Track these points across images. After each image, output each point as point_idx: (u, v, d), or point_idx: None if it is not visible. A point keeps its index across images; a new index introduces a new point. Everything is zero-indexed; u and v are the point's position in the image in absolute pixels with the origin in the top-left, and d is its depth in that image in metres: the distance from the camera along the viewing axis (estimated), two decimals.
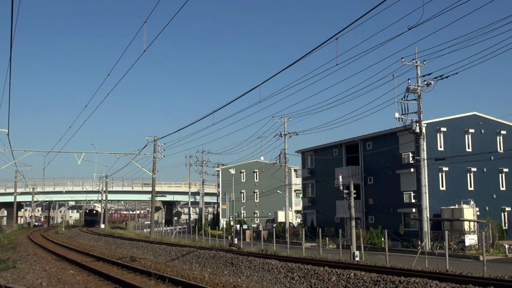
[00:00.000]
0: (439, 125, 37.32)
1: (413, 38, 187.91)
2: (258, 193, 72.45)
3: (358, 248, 24.83)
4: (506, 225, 38.07)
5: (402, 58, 29.96)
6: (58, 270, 20.36)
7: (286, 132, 44.14)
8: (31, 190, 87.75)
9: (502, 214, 38.67)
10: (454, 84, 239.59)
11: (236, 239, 39.13)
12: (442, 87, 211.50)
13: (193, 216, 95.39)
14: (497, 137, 39.59)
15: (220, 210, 72.96)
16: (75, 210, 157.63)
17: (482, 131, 38.76)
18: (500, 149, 39.31)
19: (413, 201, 35.97)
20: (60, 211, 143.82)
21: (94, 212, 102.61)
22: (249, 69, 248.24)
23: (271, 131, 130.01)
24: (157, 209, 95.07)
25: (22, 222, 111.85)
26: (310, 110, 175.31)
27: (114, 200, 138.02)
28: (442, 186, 36.86)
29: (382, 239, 29.78)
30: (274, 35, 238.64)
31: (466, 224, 32.94)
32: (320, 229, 30.99)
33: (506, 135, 39.70)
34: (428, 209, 32.72)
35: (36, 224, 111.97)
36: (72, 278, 18.19)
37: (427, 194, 32.73)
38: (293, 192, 67.04)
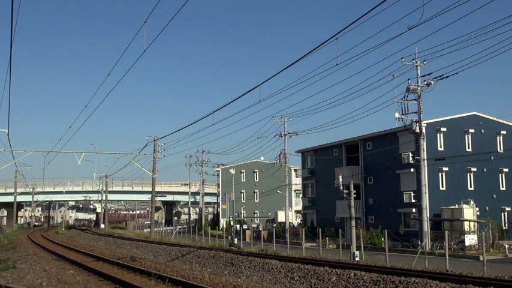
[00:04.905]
0: (439, 125, 37.32)
1: (413, 38, 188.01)
2: (258, 193, 72.45)
3: (358, 248, 24.82)
4: (506, 225, 38.07)
5: (402, 58, 29.95)
6: (58, 270, 20.37)
7: (286, 132, 44.13)
8: (31, 190, 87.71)
9: (502, 214, 38.67)
10: (454, 84, 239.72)
11: (236, 239, 39.10)
12: (442, 87, 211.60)
13: (193, 216, 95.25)
14: (497, 137, 39.59)
15: (220, 210, 72.95)
16: (75, 210, 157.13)
17: (482, 131, 38.76)
18: (500, 149, 39.31)
19: (413, 201, 35.96)
20: (60, 211, 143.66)
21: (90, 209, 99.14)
22: (249, 69, 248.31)
23: (271, 131, 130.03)
24: (157, 209, 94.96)
25: (22, 222, 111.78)
26: (310, 110, 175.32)
27: (114, 200, 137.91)
28: (442, 186, 36.86)
29: (382, 239, 29.78)
30: (274, 35, 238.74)
31: (466, 224, 32.93)
32: (320, 229, 30.99)
33: (506, 135, 39.70)
34: (428, 209, 32.73)
35: (36, 224, 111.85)
36: (72, 278, 18.21)
37: (427, 194, 32.74)
38: (293, 192, 67.02)
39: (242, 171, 72.84)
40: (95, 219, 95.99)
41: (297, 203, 67.36)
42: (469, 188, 37.81)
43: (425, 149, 32.46)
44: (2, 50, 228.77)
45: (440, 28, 50.10)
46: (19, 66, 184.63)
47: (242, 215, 70.15)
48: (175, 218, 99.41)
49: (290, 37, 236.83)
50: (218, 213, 74.63)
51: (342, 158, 45.42)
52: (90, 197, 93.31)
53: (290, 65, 15.21)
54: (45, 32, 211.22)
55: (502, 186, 39.41)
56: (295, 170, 69.37)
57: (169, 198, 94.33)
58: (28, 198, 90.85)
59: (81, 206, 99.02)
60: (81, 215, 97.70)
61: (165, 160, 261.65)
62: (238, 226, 51.95)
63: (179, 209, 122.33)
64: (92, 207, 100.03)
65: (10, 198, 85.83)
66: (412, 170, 36.34)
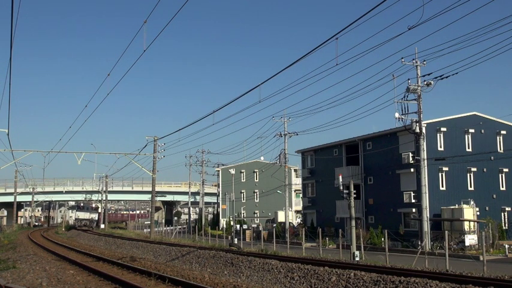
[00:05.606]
0: (439, 125, 37.32)
1: (413, 38, 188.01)
2: (258, 193, 72.46)
3: (358, 248, 24.82)
4: (506, 225, 38.08)
5: (402, 58, 29.94)
6: (58, 270, 20.37)
7: (286, 132, 44.13)
8: (31, 190, 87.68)
9: (502, 214, 38.68)
10: (454, 84, 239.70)
11: (236, 239, 39.11)
12: (442, 87, 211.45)
13: (194, 216, 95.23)
14: (497, 137, 39.60)
15: (220, 210, 72.96)
16: (75, 210, 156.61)
17: (482, 131, 38.77)
18: (500, 149, 39.31)
19: (413, 201, 35.97)
20: (60, 211, 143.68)
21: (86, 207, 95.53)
22: (248, 69, 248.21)
23: (271, 131, 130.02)
24: (157, 209, 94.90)
25: (22, 222, 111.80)
26: (310, 110, 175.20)
27: (114, 200, 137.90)
28: (442, 186, 36.86)
29: (382, 239, 29.79)
30: (274, 35, 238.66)
31: (466, 224, 32.94)
32: (320, 229, 30.99)
33: (506, 135, 39.71)
34: (428, 209, 32.73)
35: (36, 224, 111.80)
36: (72, 278, 18.21)
37: (427, 194, 32.74)
38: (293, 192, 67.02)
39: (242, 171, 72.84)
40: (96, 218, 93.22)
41: (297, 203, 67.35)
42: (469, 188, 37.82)
43: (425, 149, 32.45)
44: (2, 50, 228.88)
45: (440, 28, 50.17)
46: (19, 66, 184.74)
47: (242, 215, 70.15)
48: (175, 218, 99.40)
49: (290, 37, 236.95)
50: (218, 213, 74.63)
51: (342, 158, 45.42)
52: (90, 197, 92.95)
53: (290, 65, 15.22)
54: (45, 32, 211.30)
55: (502, 186, 39.41)
56: (295, 170, 69.37)
57: (169, 198, 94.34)
58: (28, 198, 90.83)
59: (81, 204, 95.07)
60: (82, 215, 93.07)
61: (165, 160, 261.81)
62: (238, 226, 51.96)
63: (179, 209, 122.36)
64: (93, 205, 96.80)
65: (10, 198, 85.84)
66: (412, 170, 36.35)
